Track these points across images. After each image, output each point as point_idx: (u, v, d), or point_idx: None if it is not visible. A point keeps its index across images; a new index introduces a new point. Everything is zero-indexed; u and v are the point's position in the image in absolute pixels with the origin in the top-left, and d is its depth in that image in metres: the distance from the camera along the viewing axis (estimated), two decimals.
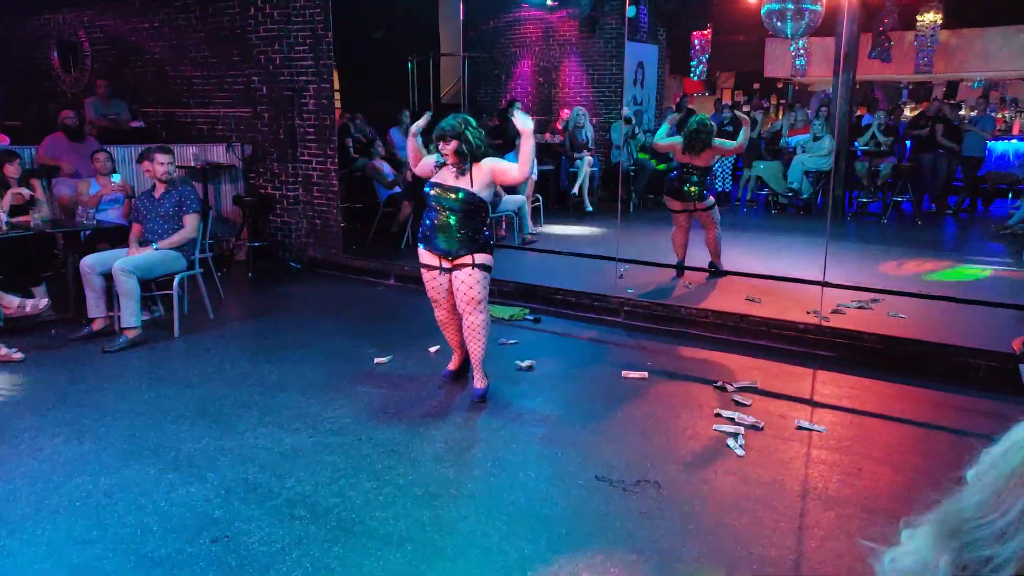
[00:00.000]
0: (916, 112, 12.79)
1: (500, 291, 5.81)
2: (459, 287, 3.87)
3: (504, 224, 8.20)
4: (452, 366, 4.27)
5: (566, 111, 10.49)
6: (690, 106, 12.43)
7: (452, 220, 3.81)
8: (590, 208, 9.80)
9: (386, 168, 8.05)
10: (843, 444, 3.49)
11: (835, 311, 5.32)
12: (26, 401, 3.96)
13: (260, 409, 3.85)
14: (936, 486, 0.78)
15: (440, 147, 3.80)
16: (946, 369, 4.40)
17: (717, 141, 6.35)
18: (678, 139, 6.30)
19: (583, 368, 4.69)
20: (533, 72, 11.72)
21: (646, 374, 4.35)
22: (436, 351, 4.75)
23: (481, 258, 3.84)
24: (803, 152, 9.94)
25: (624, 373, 4.37)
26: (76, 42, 9.21)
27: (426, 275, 3.98)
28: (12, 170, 5.36)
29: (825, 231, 5.66)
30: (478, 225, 3.85)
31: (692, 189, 6.23)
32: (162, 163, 5.08)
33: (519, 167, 3.79)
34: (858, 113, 11.08)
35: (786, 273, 5.95)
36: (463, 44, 11.39)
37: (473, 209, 3.81)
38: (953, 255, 7.69)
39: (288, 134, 7.14)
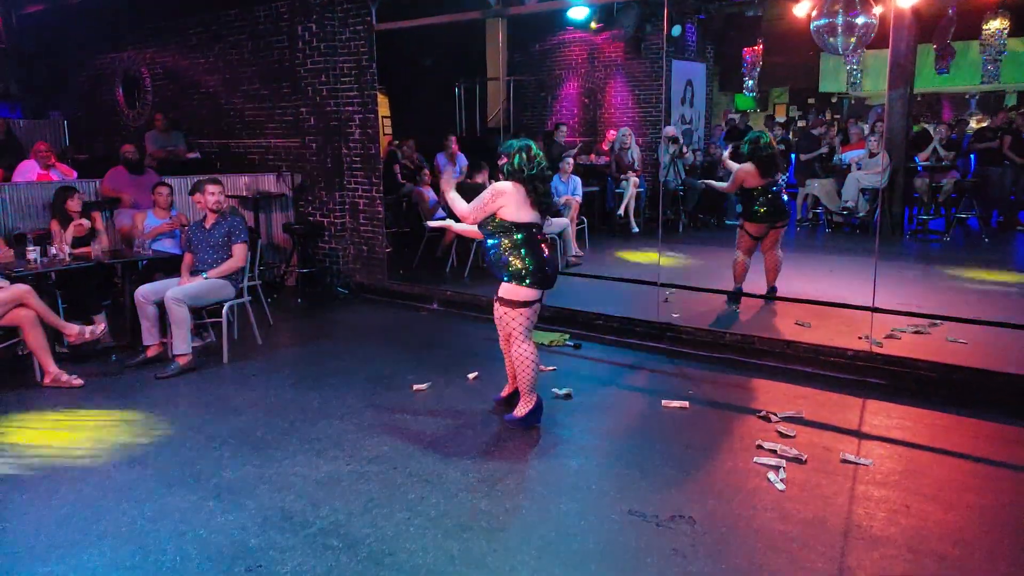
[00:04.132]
0: (982, 124, 12.28)
1: (540, 316, 5.78)
2: (498, 318, 3.97)
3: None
4: (503, 393, 4.29)
5: (612, 132, 10.47)
6: (748, 123, 12.27)
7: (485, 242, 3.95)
8: (636, 229, 9.73)
9: (430, 194, 8.17)
10: (890, 479, 3.35)
11: (889, 336, 5.13)
12: (84, 427, 4.13)
13: (300, 436, 3.92)
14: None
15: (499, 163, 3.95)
16: (1007, 400, 4.17)
17: None
18: (747, 167, 6.01)
19: (622, 396, 4.63)
20: (579, 93, 11.74)
21: (687, 403, 4.27)
22: (475, 378, 4.76)
23: (503, 290, 3.87)
24: (858, 169, 9.65)
25: (664, 402, 4.29)
26: (139, 78, 9.67)
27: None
28: (74, 204, 5.65)
29: (877, 251, 5.46)
30: (509, 250, 3.81)
31: (772, 209, 6.01)
32: (212, 194, 5.28)
33: (463, 211, 3.90)
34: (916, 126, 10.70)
35: (837, 295, 5.76)
36: (509, 68, 11.54)
37: (490, 232, 3.87)
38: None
39: (335, 163, 7.32)
